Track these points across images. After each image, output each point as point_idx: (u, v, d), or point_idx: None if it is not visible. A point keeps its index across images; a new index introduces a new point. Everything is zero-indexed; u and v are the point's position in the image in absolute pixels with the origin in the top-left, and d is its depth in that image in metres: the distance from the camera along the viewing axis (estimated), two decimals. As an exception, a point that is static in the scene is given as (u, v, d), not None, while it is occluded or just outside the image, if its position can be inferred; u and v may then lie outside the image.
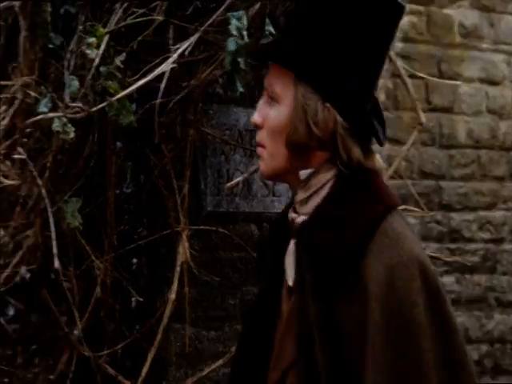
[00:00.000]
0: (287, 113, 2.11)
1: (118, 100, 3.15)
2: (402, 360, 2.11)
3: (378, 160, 2.23)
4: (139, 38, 3.33)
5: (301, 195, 2.13)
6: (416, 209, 4.56)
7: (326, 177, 2.15)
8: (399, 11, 2.28)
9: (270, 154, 2.19)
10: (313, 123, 2.13)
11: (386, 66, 4.36)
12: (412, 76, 4.63)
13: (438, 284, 2.18)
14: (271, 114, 2.14)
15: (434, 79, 5.50)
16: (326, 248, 2.11)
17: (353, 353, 2.07)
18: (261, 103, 2.17)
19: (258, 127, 2.18)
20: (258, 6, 3.48)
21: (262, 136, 2.18)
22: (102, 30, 3.18)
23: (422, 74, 5.04)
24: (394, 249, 2.12)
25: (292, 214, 2.16)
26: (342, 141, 2.13)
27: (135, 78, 3.26)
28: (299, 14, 2.27)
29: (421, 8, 5.72)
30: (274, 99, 2.14)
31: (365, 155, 2.19)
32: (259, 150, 2.22)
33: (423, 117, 4.37)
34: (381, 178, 2.29)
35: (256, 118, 2.15)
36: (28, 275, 3.48)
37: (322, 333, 2.11)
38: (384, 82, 4.54)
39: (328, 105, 2.12)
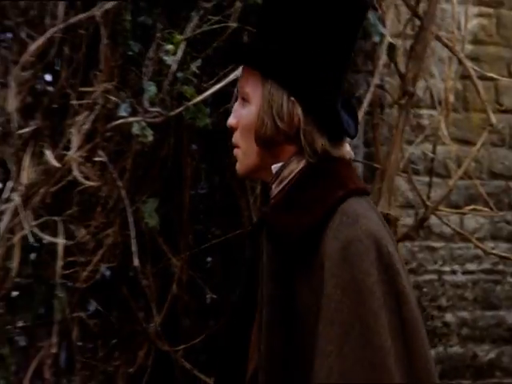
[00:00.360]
0: (256, 111, 2.20)
1: (194, 104, 3.23)
2: (354, 328, 2.12)
3: (347, 149, 2.24)
4: (214, 45, 3.37)
5: (274, 190, 2.22)
6: (485, 209, 4.52)
7: (296, 169, 2.23)
8: (363, 9, 2.39)
9: (244, 153, 2.28)
10: (278, 118, 2.22)
11: (456, 67, 4.42)
12: (482, 77, 4.55)
13: (394, 260, 2.18)
14: (243, 114, 2.23)
15: (504, 79, 5.31)
16: (286, 231, 2.18)
17: (308, 334, 2.08)
18: (235, 106, 2.26)
19: (233, 129, 2.25)
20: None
21: (236, 137, 2.26)
22: (178, 37, 3.26)
23: (492, 75, 4.89)
24: (352, 226, 2.17)
25: (264, 208, 2.30)
26: (305, 133, 2.21)
27: (210, 82, 3.32)
28: (264, 16, 2.38)
29: (490, 10, 5.44)
30: (245, 100, 2.24)
31: (332, 145, 2.24)
32: (235, 150, 2.28)
33: (493, 118, 4.34)
34: (347, 165, 2.31)
35: (230, 120, 2.22)
36: (108, 273, 3.60)
37: (281, 318, 2.15)
38: (453, 84, 4.54)
39: (293, 99, 2.22)
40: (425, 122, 4.29)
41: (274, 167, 2.23)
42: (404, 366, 2.16)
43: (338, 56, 2.31)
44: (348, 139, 2.39)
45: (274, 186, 2.25)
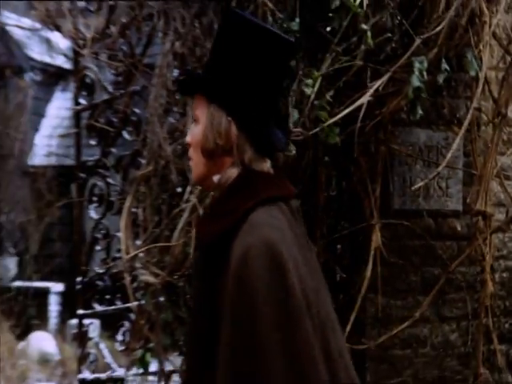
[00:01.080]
0: (203, 128, 2.60)
1: (328, 125, 3.49)
2: (241, 325, 2.40)
3: (267, 164, 2.61)
4: (344, 79, 3.61)
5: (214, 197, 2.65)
6: None
7: (230, 178, 2.57)
8: (291, 47, 2.78)
9: (195, 164, 2.67)
10: (218, 134, 2.57)
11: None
12: None
13: (284, 259, 2.41)
14: (194, 133, 2.64)
15: None
16: (203, 237, 2.60)
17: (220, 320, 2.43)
18: (191, 126, 2.69)
19: (188, 145, 2.66)
20: (435, 50, 3.64)
21: (190, 152, 2.65)
22: (316, 73, 3.51)
23: None
24: (251, 234, 2.44)
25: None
26: (238, 147, 2.56)
27: (340, 108, 3.55)
28: (212, 54, 2.81)
29: None
30: (196, 121, 2.66)
31: (258, 159, 2.60)
32: (190, 163, 2.68)
33: None
34: (266, 177, 2.64)
35: (186, 138, 2.69)
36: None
37: (202, 312, 2.55)
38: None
39: (230, 119, 2.57)
40: None
41: (215, 178, 2.60)
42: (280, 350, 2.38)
43: (268, 86, 2.66)
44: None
45: (215, 194, 2.66)
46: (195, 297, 2.72)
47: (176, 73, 4.21)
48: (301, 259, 2.56)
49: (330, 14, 3.59)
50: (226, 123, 2.61)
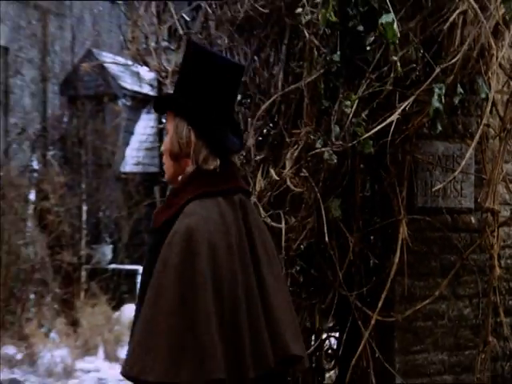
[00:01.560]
0: (170, 137, 2.75)
1: (364, 139, 3.48)
2: (158, 290, 2.59)
3: (217, 163, 2.70)
4: (377, 100, 3.60)
5: None
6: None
7: (185, 177, 2.75)
8: (239, 70, 2.94)
9: (166, 168, 2.81)
10: (180, 140, 2.72)
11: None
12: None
13: (198, 246, 2.55)
14: (165, 142, 2.79)
15: None
16: (156, 223, 2.75)
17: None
18: (164, 138, 2.84)
19: (162, 154, 2.83)
20: (452, 77, 3.58)
21: (163, 158, 2.82)
22: (353, 96, 3.48)
23: None
24: (181, 222, 2.60)
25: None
26: (195, 151, 2.70)
27: (374, 125, 3.52)
28: (178, 78, 2.96)
29: None
30: (167, 132, 2.80)
31: (211, 160, 2.72)
32: (164, 167, 2.84)
33: None
34: (210, 175, 2.73)
35: (162, 147, 2.84)
36: (304, 245, 3.79)
37: (148, 277, 2.66)
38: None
39: (189, 128, 2.71)
40: None
41: (179, 177, 2.76)
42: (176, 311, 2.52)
43: (221, 101, 2.78)
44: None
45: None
46: (145, 266, 2.81)
47: (240, 97, 4.18)
48: (224, 244, 2.62)
49: (367, 48, 3.57)
50: (187, 131, 2.73)
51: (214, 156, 2.74)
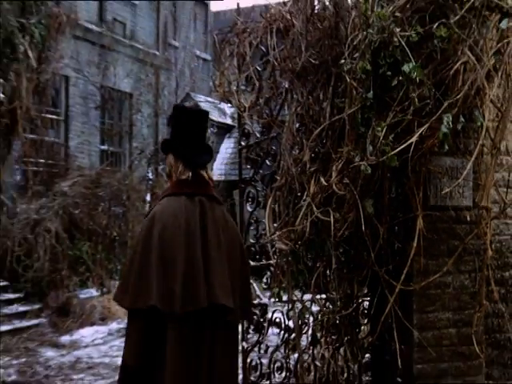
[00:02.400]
0: (167, 165, 3.20)
1: (390, 155, 3.39)
2: (132, 252, 3.11)
3: (189, 174, 3.06)
4: (400, 127, 3.46)
5: None
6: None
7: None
8: (204, 113, 3.33)
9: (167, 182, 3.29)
10: (169, 164, 3.16)
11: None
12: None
13: (154, 226, 2.93)
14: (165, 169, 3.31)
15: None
16: (147, 213, 3.14)
17: None
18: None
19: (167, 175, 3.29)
20: (456, 109, 3.45)
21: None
22: (383, 123, 3.41)
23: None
24: (153, 208, 3.07)
25: None
26: (173, 168, 3.12)
27: (398, 145, 3.42)
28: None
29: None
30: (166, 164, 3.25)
31: (184, 173, 3.08)
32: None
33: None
34: (181, 182, 3.08)
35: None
36: (346, 234, 3.68)
37: None
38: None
39: (172, 156, 3.13)
40: (504, 161, 4.23)
41: None
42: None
43: (192, 135, 3.13)
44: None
45: None
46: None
47: (297, 125, 4.15)
48: (172, 224, 2.92)
49: (393, 88, 3.50)
50: (170, 157, 3.15)
51: (187, 170, 3.07)
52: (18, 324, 9.94)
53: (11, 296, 10.58)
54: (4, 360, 8.34)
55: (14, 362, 8.37)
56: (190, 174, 3.06)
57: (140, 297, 2.83)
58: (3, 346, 8.90)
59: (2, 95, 11.23)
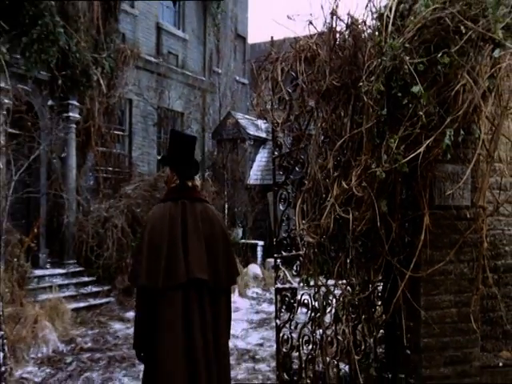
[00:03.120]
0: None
1: (402, 163, 3.31)
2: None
3: (177, 183, 3.34)
4: (410, 139, 3.36)
5: None
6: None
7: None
8: (192, 138, 3.57)
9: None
10: (166, 175, 3.48)
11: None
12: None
13: (147, 223, 3.27)
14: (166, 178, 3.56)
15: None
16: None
17: None
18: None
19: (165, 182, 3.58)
20: (457, 124, 3.38)
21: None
22: (395, 136, 3.33)
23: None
24: (149, 213, 3.35)
25: None
26: (169, 178, 3.42)
27: (408, 154, 3.33)
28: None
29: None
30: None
31: (176, 181, 3.36)
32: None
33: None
34: (174, 189, 3.37)
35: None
36: (364, 229, 3.62)
37: None
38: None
39: (168, 168, 3.45)
40: (497, 167, 4.15)
41: None
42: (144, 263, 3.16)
43: (183, 153, 3.37)
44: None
45: None
46: None
47: (322, 138, 4.09)
48: (160, 223, 3.20)
49: (403, 106, 3.44)
50: (168, 170, 3.46)
51: (177, 179, 3.36)
52: (92, 301, 10.08)
53: (86, 279, 10.75)
54: (81, 330, 8.48)
55: (90, 332, 8.49)
56: (178, 182, 3.36)
57: (136, 278, 3.15)
58: (81, 319, 9.04)
59: (78, 116, 11.45)
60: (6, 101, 8.67)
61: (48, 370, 6.57)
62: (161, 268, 3.08)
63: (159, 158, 15.13)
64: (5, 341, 4.77)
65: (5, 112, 8.52)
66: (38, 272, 10.04)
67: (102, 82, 11.47)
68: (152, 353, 3.02)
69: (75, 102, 11.20)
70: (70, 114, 11.14)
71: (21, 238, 8.36)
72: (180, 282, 3.06)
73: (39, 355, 6.97)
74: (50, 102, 10.88)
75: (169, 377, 2.94)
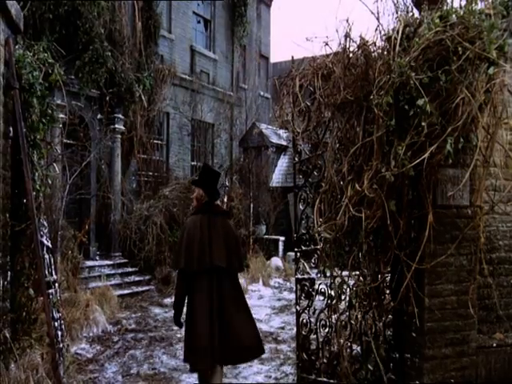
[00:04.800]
0: (196, 192, 4.24)
1: (408, 167, 3.30)
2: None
3: (207, 199, 4.21)
4: (416, 146, 3.32)
5: None
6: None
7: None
8: (216, 172, 4.41)
9: (195, 204, 4.35)
10: (198, 193, 4.23)
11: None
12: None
13: (187, 229, 4.11)
14: (195, 194, 4.25)
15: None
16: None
17: None
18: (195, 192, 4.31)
19: (194, 198, 4.29)
20: (457, 133, 3.35)
21: (194, 200, 4.34)
22: (402, 144, 3.30)
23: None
24: (185, 223, 4.18)
25: None
26: (201, 196, 4.21)
27: (414, 159, 3.30)
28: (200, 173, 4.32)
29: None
30: (195, 190, 4.29)
31: (204, 199, 4.20)
32: (193, 204, 4.46)
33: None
34: (203, 205, 4.21)
35: (193, 195, 4.29)
36: (375, 226, 3.58)
37: None
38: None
39: (200, 189, 4.21)
40: (492, 171, 4.05)
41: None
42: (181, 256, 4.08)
43: (210, 181, 4.24)
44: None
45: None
46: None
47: (337, 145, 4.07)
48: (194, 230, 4.11)
49: (410, 117, 3.42)
50: (201, 190, 4.23)
51: (206, 198, 4.21)
52: (135, 289, 10.21)
53: (130, 269, 10.89)
54: (126, 314, 8.60)
55: (133, 315, 8.61)
56: (207, 199, 4.23)
57: (178, 263, 4.07)
58: (125, 304, 9.18)
59: (123, 127, 11.64)
60: (62, 116, 8.91)
61: (98, 348, 6.69)
62: (194, 257, 3.99)
63: (192, 163, 15.34)
64: (62, 322, 4.90)
65: (61, 125, 8.78)
66: (89, 263, 10.22)
67: (143, 97, 11.70)
68: (189, 313, 4.01)
69: (120, 116, 11.43)
70: (116, 125, 11.36)
71: (74, 234, 8.54)
72: (206, 267, 4.01)
73: (90, 334, 7.10)
74: (99, 116, 11.11)
75: (200, 324, 3.93)
